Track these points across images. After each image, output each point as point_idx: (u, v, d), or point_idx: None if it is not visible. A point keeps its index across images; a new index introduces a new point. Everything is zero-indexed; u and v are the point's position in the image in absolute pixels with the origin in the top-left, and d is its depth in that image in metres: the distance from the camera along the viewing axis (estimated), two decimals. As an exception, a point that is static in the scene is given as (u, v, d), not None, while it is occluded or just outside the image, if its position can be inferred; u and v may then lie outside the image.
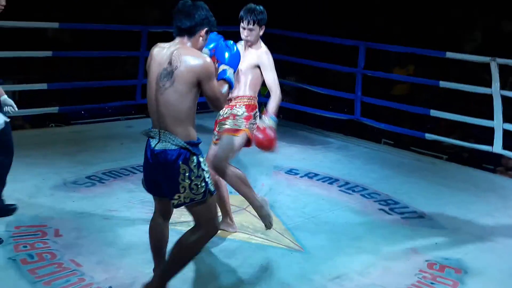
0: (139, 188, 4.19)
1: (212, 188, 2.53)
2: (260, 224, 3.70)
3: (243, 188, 3.32)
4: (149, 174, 2.60)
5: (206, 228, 2.55)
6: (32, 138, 5.35)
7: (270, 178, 4.71)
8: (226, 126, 3.28)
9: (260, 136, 3.24)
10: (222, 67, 2.62)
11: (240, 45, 3.30)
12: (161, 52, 2.48)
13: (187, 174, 2.44)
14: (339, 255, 3.38)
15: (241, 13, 3.27)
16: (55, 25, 5.91)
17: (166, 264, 2.64)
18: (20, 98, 6.72)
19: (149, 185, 2.66)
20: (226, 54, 2.64)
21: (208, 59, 2.44)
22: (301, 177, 4.82)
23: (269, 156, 5.31)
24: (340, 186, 4.63)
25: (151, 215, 3.70)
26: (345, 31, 7.13)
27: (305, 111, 6.79)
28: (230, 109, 3.30)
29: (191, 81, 2.40)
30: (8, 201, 3.63)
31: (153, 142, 2.50)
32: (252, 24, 3.23)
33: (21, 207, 3.71)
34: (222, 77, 2.58)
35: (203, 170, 2.48)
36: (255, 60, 3.30)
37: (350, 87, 6.44)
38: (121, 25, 6.92)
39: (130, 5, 8.15)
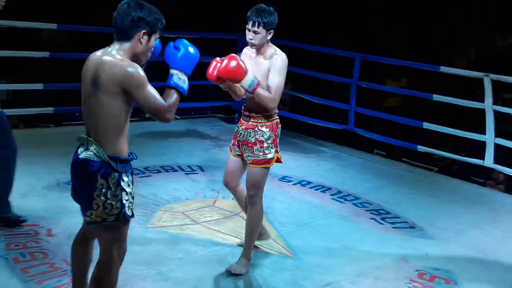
0: (134, 190, 4.21)
1: (129, 213, 2.27)
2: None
3: (256, 232, 3.20)
4: (73, 181, 2.35)
5: (112, 253, 2.32)
6: (27, 137, 5.34)
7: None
8: (254, 157, 3.04)
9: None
10: (170, 72, 2.33)
11: (246, 53, 3.12)
12: (92, 58, 2.25)
13: (103, 190, 2.21)
14: (330, 263, 3.40)
15: (248, 13, 2.98)
16: (53, 26, 5.94)
17: None
18: (14, 97, 6.74)
19: (74, 193, 2.38)
20: (173, 56, 2.33)
21: (133, 66, 2.18)
22: (294, 184, 4.85)
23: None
24: (332, 195, 4.66)
25: (144, 217, 3.77)
26: (341, 42, 7.20)
27: (299, 119, 6.84)
28: (253, 131, 3.04)
29: (113, 91, 2.17)
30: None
31: (80, 149, 2.27)
32: (257, 26, 2.93)
33: (14, 206, 3.69)
34: (168, 84, 2.30)
35: (122, 190, 2.24)
36: (266, 65, 2.99)
37: (344, 98, 6.50)
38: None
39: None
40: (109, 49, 2.25)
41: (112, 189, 2.22)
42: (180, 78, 2.31)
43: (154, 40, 2.30)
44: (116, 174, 2.22)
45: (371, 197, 4.66)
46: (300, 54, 7.17)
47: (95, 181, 2.20)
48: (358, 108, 6.28)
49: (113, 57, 2.21)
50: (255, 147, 3.04)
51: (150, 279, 2.98)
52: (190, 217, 3.86)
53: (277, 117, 3.11)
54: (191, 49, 2.35)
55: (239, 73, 2.83)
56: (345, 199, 4.58)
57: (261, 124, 3.05)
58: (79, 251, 2.48)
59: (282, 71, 2.99)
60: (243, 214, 3.96)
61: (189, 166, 5.02)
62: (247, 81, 2.85)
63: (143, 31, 2.24)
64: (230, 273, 3.12)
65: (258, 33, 2.96)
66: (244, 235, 3.25)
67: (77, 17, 7.05)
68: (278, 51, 3.04)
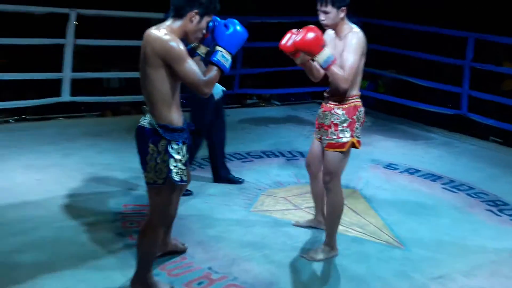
0: (236, 175, 4.29)
1: (176, 178, 2.40)
2: (356, 217, 3.64)
3: (336, 220, 3.08)
4: (136, 146, 2.53)
5: (159, 214, 2.51)
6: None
7: (368, 172, 4.59)
8: (329, 140, 2.96)
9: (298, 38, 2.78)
10: (215, 48, 2.41)
11: (328, 35, 2.99)
12: (146, 33, 2.38)
13: (154, 155, 2.40)
14: (442, 254, 3.21)
15: None
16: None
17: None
18: (127, 85, 7.15)
19: (139, 157, 2.53)
20: (221, 34, 2.40)
21: (173, 41, 2.29)
22: (401, 172, 4.64)
23: (366, 150, 5.19)
24: (444, 184, 4.40)
25: (248, 201, 3.82)
26: (452, 21, 6.75)
27: (405, 104, 6.53)
28: (329, 113, 2.96)
29: (156, 64, 2.31)
30: (118, 181, 3.86)
31: (142, 118, 2.48)
32: (325, 5, 2.82)
33: (129, 186, 3.94)
34: (210, 60, 2.39)
35: (171, 156, 2.39)
36: (341, 45, 2.87)
37: (455, 80, 6.10)
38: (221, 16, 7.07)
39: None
40: (161, 25, 2.38)
41: (161, 154, 2.40)
42: (223, 56, 2.39)
43: (206, 22, 2.40)
44: (165, 141, 2.39)
45: (486, 187, 4.33)
46: (406, 34, 6.84)
47: (147, 146, 2.41)
48: (471, 92, 5.85)
49: (159, 32, 2.33)
50: (329, 130, 2.96)
51: (255, 261, 3.01)
52: (292, 202, 3.84)
53: (357, 100, 2.96)
54: (240, 29, 2.42)
55: (316, 45, 2.75)
56: (458, 189, 4.30)
57: (338, 106, 2.95)
58: None
59: (357, 50, 2.83)
60: (346, 201, 3.84)
61: (290, 152, 5.01)
62: (323, 55, 2.76)
63: (195, 11, 2.34)
64: (309, 258, 3.06)
65: (328, 13, 2.85)
66: (347, 223, 3.14)
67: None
68: (355, 29, 2.90)
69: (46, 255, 2.93)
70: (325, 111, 3.01)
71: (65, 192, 3.78)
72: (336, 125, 2.94)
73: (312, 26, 2.81)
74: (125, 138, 5.19)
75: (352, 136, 2.94)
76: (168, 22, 2.38)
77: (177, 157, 2.42)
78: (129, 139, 5.35)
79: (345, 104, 2.94)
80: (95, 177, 4.12)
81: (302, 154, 4.98)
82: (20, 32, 6.02)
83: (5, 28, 6.04)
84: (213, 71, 2.38)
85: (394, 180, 4.45)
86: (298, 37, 2.78)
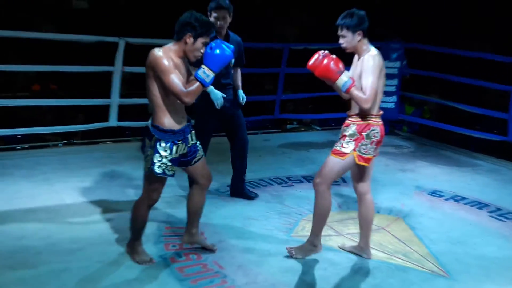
0: (276, 199, 4.31)
1: (157, 170, 2.91)
2: (400, 245, 3.56)
3: (320, 220, 3.23)
4: None
5: (144, 194, 3.07)
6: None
7: (412, 199, 4.50)
8: (334, 147, 3.16)
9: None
10: (201, 66, 2.84)
11: (355, 57, 3.17)
12: (150, 51, 2.87)
13: (147, 148, 2.94)
14: (489, 285, 3.09)
15: None
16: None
17: None
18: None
19: None
20: (206, 54, 2.84)
21: (161, 56, 2.78)
22: (446, 199, 4.53)
23: (410, 176, 5.12)
24: (490, 212, 4.26)
25: (288, 226, 3.81)
26: (498, 45, 6.62)
27: (449, 129, 6.41)
28: (345, 127, 3.15)
29: (150, 75, 2.84)
30: (160, 203, 3.91)
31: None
32: (341, 29, 3.04)
33: (172, 208, 4.01)
34: (194, 75, 2.83)
35: (157, 152, 2.90)
36: (359, 67, 3.05)
37: (501, 106, 5.95)
38: (265, 43, 7.20)
39: (271, 23, 8.45)
40: (165, 46, 2.88)
41: (151, 149, 2.92)
42: (204, 72, 2.82)
43: (202, 43, 2.85)
44: (155, 138, 2.90)
45: (535, 216, 4.18)
46: (451, 60, 6.76)
47: (145, 140, 2.97)
48: (518, 118, 5.68)
49: (157, 50, 2.83)
50: (340, 140, 3.15)
51: (296, 287, 2.98)
52: (333, 228, 3.80)
53: (372, 119, 3.09)
54: (222, 51, 2.82)
55: (332, 72, 2.99)
56: (505, 217, 4.15)
57: (353, 122, 3.12)
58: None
59: (374, 71, 2.99)
60: (389, 228, 3.82)
61: (331, 177, 4.96)
62: (340, 81, 2.99)
63: (189, 34, 2.83)
64: (288, 251, 3.29)
65: (345, 37, 3.06)
66: (390, 250, 3.12)
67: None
68: (372, 51, 3.06)
69: (92, 277, 3.01)
70: (344, 126, 3.19)
71: (111, 214, 3.88)
72: (344, 136, 3.13)
73: (327, 54, 3.04)
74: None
75: (354, 150, 3.07)
76: (170, 44, 2.89)
77: (163, 153, 2.92)
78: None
79: (360, 121, 3.10)
80: (139, 199, 4.21)
81: (343, 180, 4.94)
82: (71, 59, 6.30)
83: (58, 56, 6.34)
84: (194, 84, 2.83)
85: (439, 207, 4.34)
86: (316, 65, 3.02)
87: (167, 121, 2.90)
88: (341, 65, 3.02)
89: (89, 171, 4.85)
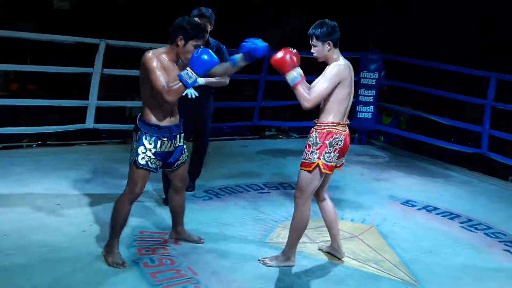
0: (252, 205, 4.33)
1: (140, 162, 3.05)
2: (372, 253, 3.61)
3: (297, 234, 3.27)
4: None
5: (127, 188, 3.14)
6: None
7: (385, 208, 4.56)
8: (302, 159, 3.19)
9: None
10: (185, 67, 2.97)
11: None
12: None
13: (133, 140, 3.11)
14: (458, 295, 3.16)
15: None
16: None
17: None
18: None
19: None
20: (192, 57, 2.95)
21: (148, 56, 2.96)
22: (419, 209, 4.61)
23: (384, 185, 5.19)
24: (462, 223, 4.35)
25: (263, 233, 3.83)
26: (472, 60, 6.78)
27: (424, 141, 6.52)
28: (310, 134, 3.20)
29: (142, 75, 3.01)
30: (136, 207, 3.89)
31: None
32: (311, 39, 3.10)
33: (147, 213, 3.99)
34: (178, 75, 2.93)
35: (141, 145, 3.05)
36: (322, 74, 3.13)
37: (475, 119, 6.09)
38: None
39: (251, 30, 8.48)
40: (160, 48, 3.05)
41: (136, 141, 3.08)
42: (188, 74, 2.91)
43: (192, 46, 2.98)
44: (140, 131, 3.06)
45: (505, 227, 4.27)
46: (426, 72, 6.89)
47: (132, 133, 3.15)
48: (492, 131, 5.82)
49: (149, 51, 3.00)
50: (305, 150, 3.18)
51: (269, 294, 3.00)
52: (308, 236, 3.83)
53: (334, 127, 3.13)
54: (208, 56, 2.93)
55: (284, 65, 3.05)
56: (476, 228, 4.24)
57: (316, 130, 3.17)
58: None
59: (331, 79, 3.05)
60: (362, 236, 3.87)
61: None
62: (290, 75, 3.05)
63: (180, 37, 2.98)
64: (261, 262, 3.31)
65: (315, 46, 3.11)
66: (362, 259, 3.18)
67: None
68: (340, 61, 3.11)
69: (62, 280, 2.97)
70: (310, 133, 3.23)
71: (84, 217, 3.85)
72: (309, 146, 3.17)
73: (288, 48, 3.10)
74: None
75: (319, 158, 3.11)
76: (165, 46, 3.05)
77: (148, 146, 3.06)
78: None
79: (322, 129, 3.14)
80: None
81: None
82: (51, 60, 6.22)
83: (37, 56, 6.27)
84: (177, 84, 2.92)
85: (412, 217, 4.41)
86: (275, 56, 3.09)
87: (154, 118, 3.07)
88: (296, 61, 3.08)
89: (64, 173, 4.79)
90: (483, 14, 7.98)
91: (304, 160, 3.18)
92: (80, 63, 5.82)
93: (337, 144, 3.14)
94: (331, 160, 3.15)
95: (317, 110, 3.27)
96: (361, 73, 6.85)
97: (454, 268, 3.50)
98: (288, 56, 3.06)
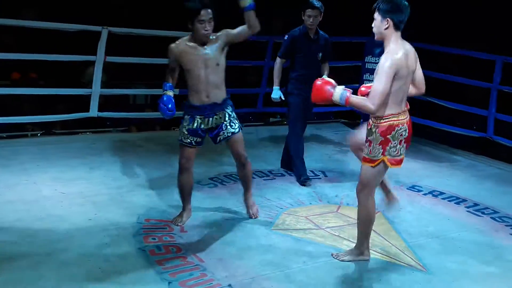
0: (257, 192, 4.31)
1: (178, 137, 3.53)
2: (378, 239, 3.60)
3: (365, 229, 3.20)
4: None
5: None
6: (162, 139, 5.75)
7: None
8: (364, 154, 3.06)
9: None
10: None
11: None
12: None
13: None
14: (465, 280, 3.15)
15: None
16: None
17: None
18: (152, 101, 7.27)
19: None
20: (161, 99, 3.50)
21: (170, 46, 3.42)
22: (425, 194, 4.59)
23: (390, 170, 5.13)
24: (468, 207, 4.33)
25: (269, 219, 3.83)
26: (481, 44, 6.70)
27: (430, 125, 6.48)
28: (369, 129, 3.03)
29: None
30: (141, 195, 3.90)
31: None
32: (374, 12, 2.97)
33: (153, 201, 3.99)
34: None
35: (182, 122, 3.54)
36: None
37: (481, 103, 6.03)
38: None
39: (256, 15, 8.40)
40: None
41: (182, 120, 3.56)
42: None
43: (199, 23, 3.29)
44: (183, 112, 3.54)
45: (511, 210, 4.25)
46: (433, 56, 6.81)
47: None
48: (498, 115, 5.78)
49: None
50: (366, 145, 3.06)
51: (275, 280, 3.00)
52: (313, 222, 3.83)
53: (393, 119, 2.95)
54: (163, 109, 3.41)
55: (323, 96, 2.95)
56: (483, 213, 4.23)
57: (375, 124, 3.00)
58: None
59: (386, 74, 2.84)
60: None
61: (312, 171, 5.00)
62: (336, 97, 2.93)
63: (189, 22, 3.34)
64: (335, 257, 3.28)
65: (375, 19, 2.96)
66: (370, 244, 3.17)
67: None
68: (393, 49, 2.91)
69: (69, 268, 2.99)
70: (368, 126, 3.08)
71: (90, 206, 3.86)
72: (370, 142, 3.03)
73: (317, 79, 3.02)
74: (150, 153, 5.28)
75: (383, 154, 2.98)
76: (188, 34, 3.44)
77: (184, 124, 3.52)
78: (154, 154, 5.42)
79: (381, 123, 2.97)
80: (120, 191, 4.19)
81: (324, 173, 4.98)
82: (53, 48, 6.19)
83: (39, 44, 6.23)
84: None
85: (418, 202, 4.40)
86: (312, 94, 3.01)
87: (190, 98, 3.48)
88: (330, 82, 2.98)
89: (69, 162, 4.80)
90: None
91: (367, 156, 3.04)
92: (83, 51, 5.80)
93: (401, 135, 2.97)
94: (398, 154, 3.00)
95: None
96: (366, 57, 6.79)
97: (460, 253, 3.49)
98: (322, 84, 2.96)
